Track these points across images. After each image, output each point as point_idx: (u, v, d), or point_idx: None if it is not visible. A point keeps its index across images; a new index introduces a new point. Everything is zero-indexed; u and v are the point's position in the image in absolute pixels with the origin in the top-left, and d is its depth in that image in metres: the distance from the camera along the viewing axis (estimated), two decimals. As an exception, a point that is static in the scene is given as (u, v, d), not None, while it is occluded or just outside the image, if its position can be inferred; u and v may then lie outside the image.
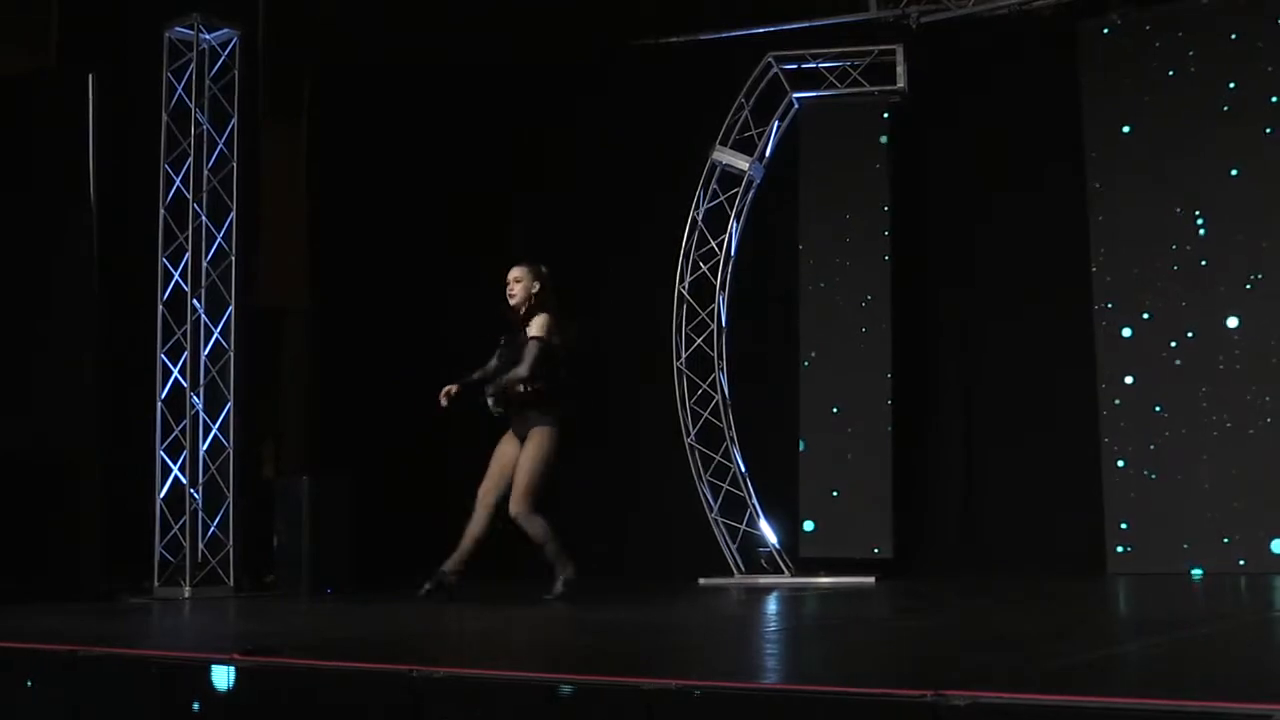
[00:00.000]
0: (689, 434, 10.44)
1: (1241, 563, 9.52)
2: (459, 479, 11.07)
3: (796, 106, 10.66)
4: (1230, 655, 4.91)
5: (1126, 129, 10.32)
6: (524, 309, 8.51)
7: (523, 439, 8.45)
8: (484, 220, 11.70)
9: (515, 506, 8.30)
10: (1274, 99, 9.87)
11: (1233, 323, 9.91)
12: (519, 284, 8.52)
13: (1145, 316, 10.12)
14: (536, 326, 8.37)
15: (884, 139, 10.63)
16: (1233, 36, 10.07)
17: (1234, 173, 9.93)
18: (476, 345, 9.46)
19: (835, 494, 10.34)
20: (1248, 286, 9.75)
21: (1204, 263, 9.97)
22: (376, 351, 11.46)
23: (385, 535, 10.64)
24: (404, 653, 5.00)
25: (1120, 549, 9.91)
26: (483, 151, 11.76)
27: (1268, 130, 9.86)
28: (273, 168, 11.02)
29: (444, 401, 8.48)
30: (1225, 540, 9.67)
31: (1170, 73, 10.27)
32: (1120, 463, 10.06)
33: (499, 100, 11.79)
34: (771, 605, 8.36)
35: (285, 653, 4.80)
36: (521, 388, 8.30)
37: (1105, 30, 10.48)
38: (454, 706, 4.14)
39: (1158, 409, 10.02)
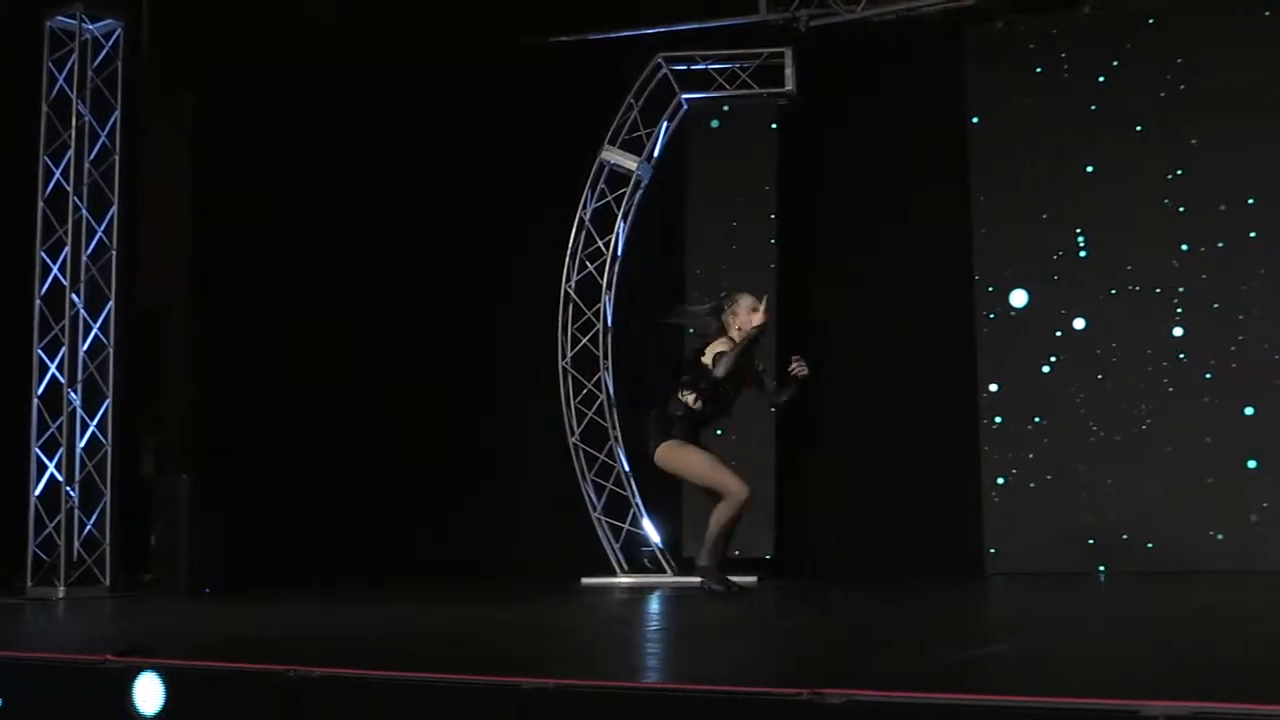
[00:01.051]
0: (573, 433, 10.49)
1: (1101, 569, 9.67)
2: (343, 476, 11.00)
3: (685, 108, 10.73)
4: (1099, 653, 4.97)
5: (1010, 134, 10.63)
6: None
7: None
8: (380, 218, 11.56)
9: (734, 490, 8.40)
10: (1148, 108, 10.15)
11: (1093, 327, 10.22)
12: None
13: (1026, 323, 10.31)
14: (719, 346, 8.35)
15: (772, 141, 10.78)
16: (1112, 57, 10.42)
17: (1097, 175, 10.07)
18: (373, 344, 9.40)
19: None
20: (1112, 292, 9.89)
21: (1081, 272, 10.07)
22: (260, 349, 11.34)
23: (265, 533, 10.50)
24: (281, 653, 4.91)
25: (995, 551, 9.99)
26: (376, 149, 11.69)
27: (1138, 128, 10.29)
28: (156, 161, 10.85)
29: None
30: (1091, 542, 10.02)
31: (1051, 79, 10.55)
32: (1000, 479, 10.37)
33: (391, 97, 11.71)
34: (654, 605, 8.37)
35: (160, 653, 4.69)
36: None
37: (989, 37, 10.73)
38: (331, 706, 4.07)
39: (1037, 419, 10.30)
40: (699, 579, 8.28)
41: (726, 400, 8.41)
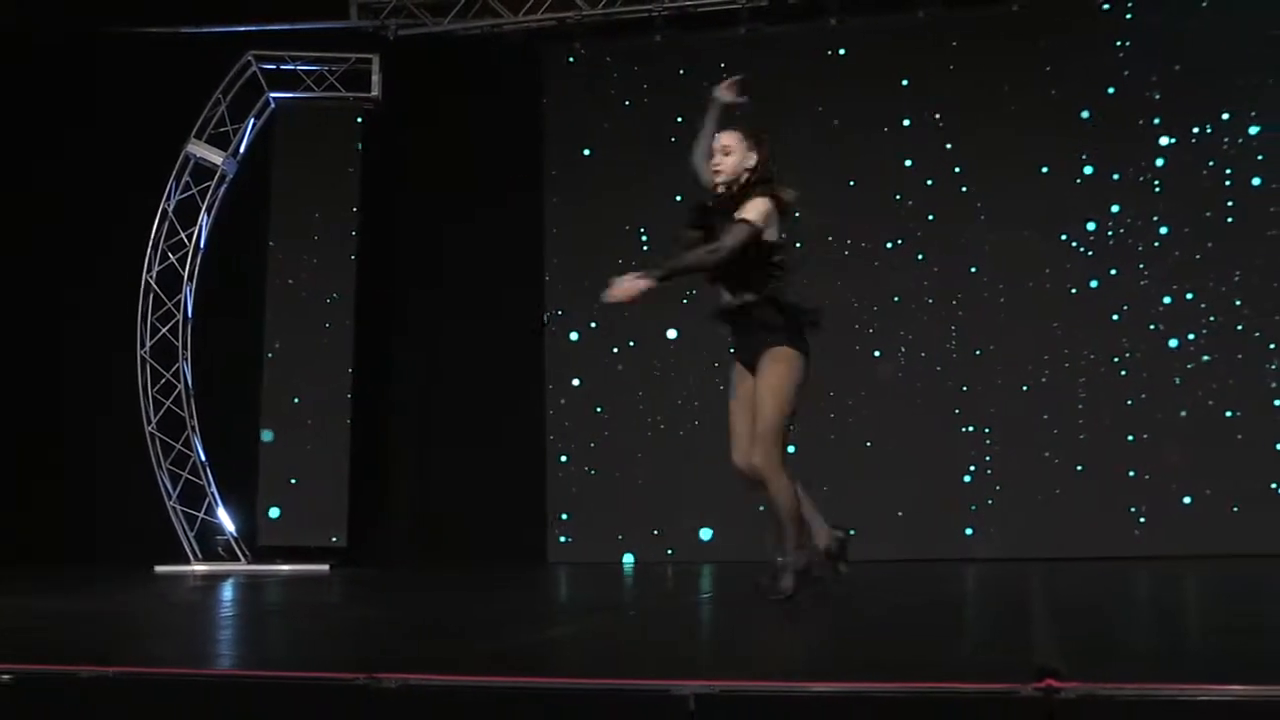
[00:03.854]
0: (150, 421, 10.38)
1: (670, 552, 10.03)
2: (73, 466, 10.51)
3: (273, 106, 10.79)
4: (641, 636, 5.18)
5: (584, 150, 11.30)
6: (734, 188, 6.32)
7: (753, 368, 6.26)
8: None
9: (758, 456, 6.09)
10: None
11: (672, 334, 10.88)
12: (728, 156, 6.34)
13: (592, 325, 10.94)
14: (751, 210, 6.14)
15: (356, 143, 11.15)
16: (681, 72, 10.98)
17: (678, 198, 10.44)
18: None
19: (293, 484, 10.82)
20: (684, 301, 10.31)
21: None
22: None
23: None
24: None
25: (561, 539, 10.34)
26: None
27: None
28: None
29: (631, 296, 6.18)
30: (655, 532, 10.54)
31: (626, 102, 11.26)
32: (563, 458, 10.93)
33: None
34: (226, 592, 8.30)
35: None
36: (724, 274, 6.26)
37: (569, 58, 11.31)
38: None
39: (599, 409, 10.71)
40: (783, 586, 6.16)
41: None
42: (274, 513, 10.62)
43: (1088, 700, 3.17)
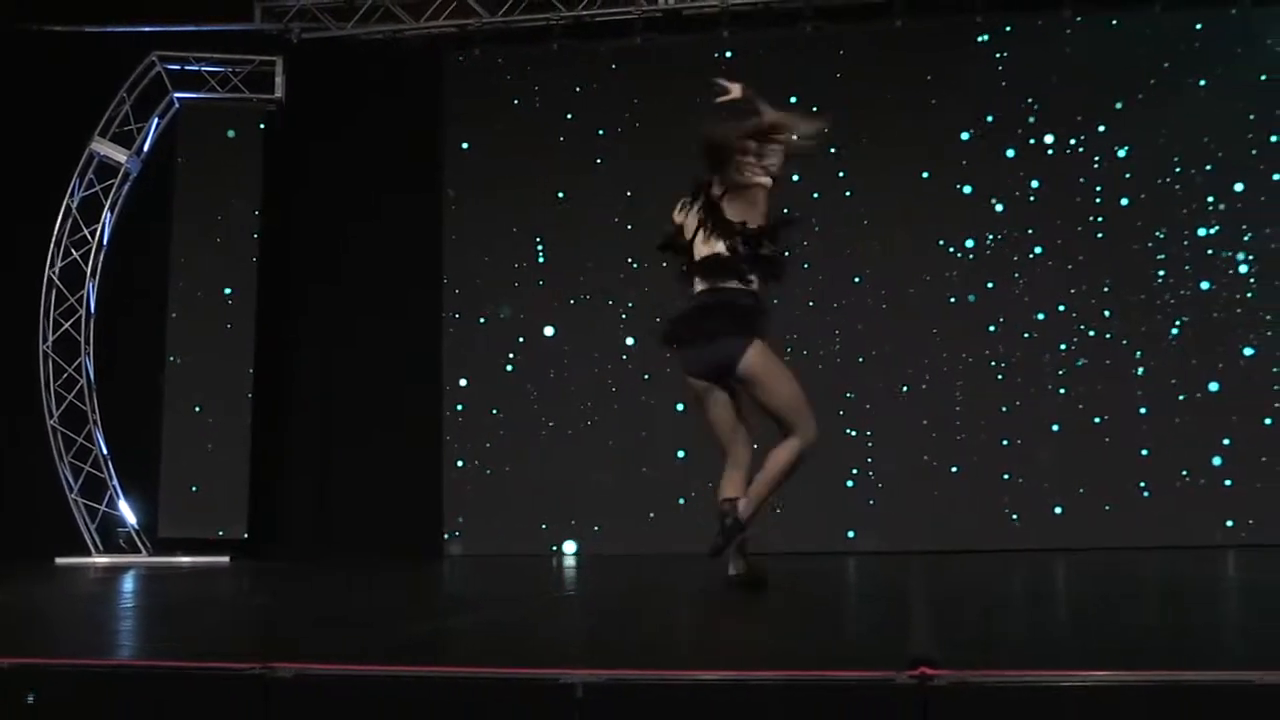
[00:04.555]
0: (52, 415, 10.20)
1: (554, 548, 10.05)
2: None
3: (177, 106, 10.62)
4: (534, 627, 5.18)
5: (481, 153, 11.26)
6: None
7: (720, 371, 5.91)
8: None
9: (808, 431, 5.97)
10: (608, 138, 10.96)
11: (549, 332, 10.89)
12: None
13: (482, 321, 10.99)
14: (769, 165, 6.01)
15: (259, 143, 11.07)
16: (577, 88, 11.07)
17: (560, 195, 10.49)
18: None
19: (195, 478, 10.69)
20: (571, 302, 10.39)
21: (540, 282, 10.91)
22: None
23: None
24: None
25: (455, 534, 10.36)
26: None
27: (598, 160, 10.96)
28: None
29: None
30: (544, 527, 10.66)
31: (524, 105, 11.20)
32: (459, 461, 10.92)
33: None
34: (127, 584, 8.18)
35: None
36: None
37: (466, 62, 11.32)
38: None
39: (494, 410, 10.82)
40: (733, 567, 6.16)
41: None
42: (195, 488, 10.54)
43: (959, 687, 3.21)
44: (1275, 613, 5.65)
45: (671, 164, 10.52)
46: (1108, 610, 5.78)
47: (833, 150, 10.44)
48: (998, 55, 10.58)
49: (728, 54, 10.75)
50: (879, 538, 10.21)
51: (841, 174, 10.59)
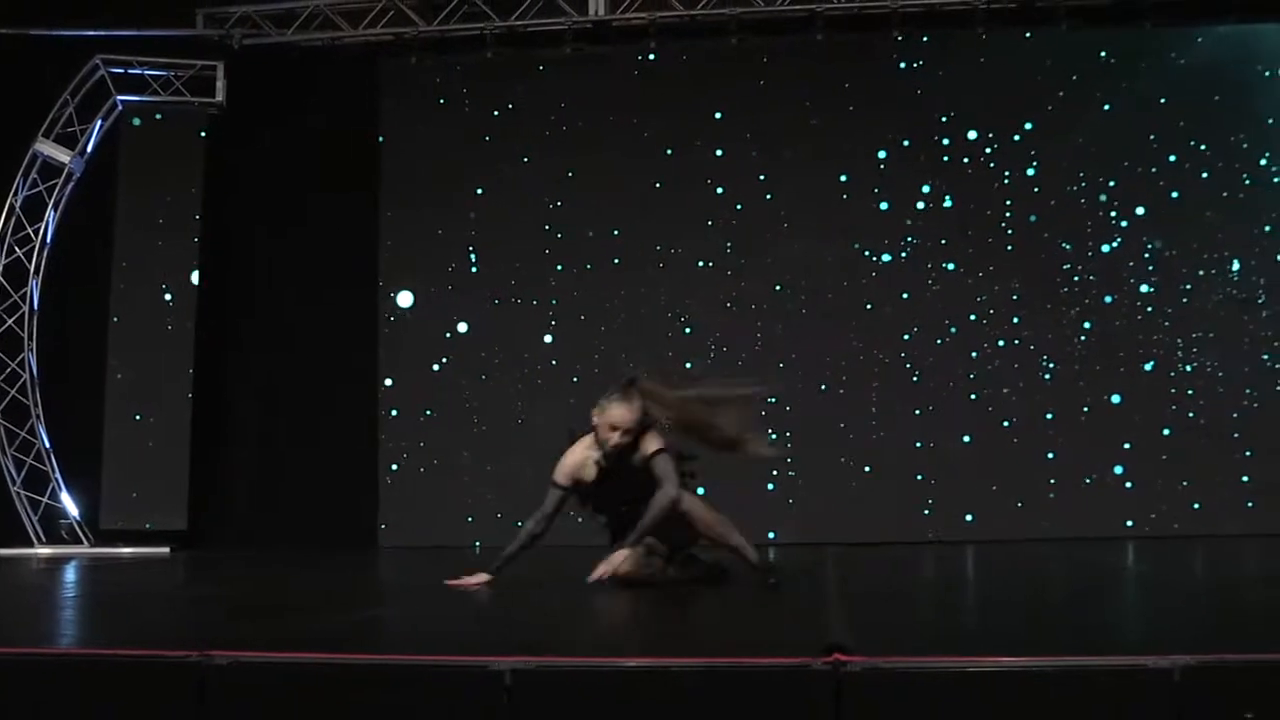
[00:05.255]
0: None
1: (477, 544, 9.95)
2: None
3: (120, 108, 10.56)
4: (473, 617, 5.19)
5: (416, 156, 11.10)
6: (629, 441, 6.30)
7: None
8: None
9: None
10: (535, 142, 10.90)
11: (493, 336, 10.73)
12: (625, 432, 6.26)
13: (420, 326, 10.87)
14: (653, 442, 6.28)
15: (200, 144, 10.95)
16: (508, 88, 11.02)
17: (496, 200, 10.49)
18: None
19: (135, 471, 10.54)
20: (496, 302, 10.42)
21: (473, 280, 10.84)
22: None
23: None
24: None
25: (386, 526, 10.68)
26: None
27: (525, 159, 10.88)
28: None
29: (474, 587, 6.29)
30: (470, 519, 10.59)
31: (454, 110, 11.10)
32: (393, 466, 10.81)
33: None
34: (68, 574, 8.06)
35: None
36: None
37: (403, 70, 11.21)
38: None
39: (429, 411, 10.84)
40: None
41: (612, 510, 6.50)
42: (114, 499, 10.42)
43: (871, 672, 3.27)
44: (1167, 602, 5.75)
45: (599, 171, 10.72)
46: (1011, 598, 5.87)
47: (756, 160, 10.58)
48: (915, 67, 10.62)
49: (657, 69, 10.82)
50: (798, 531, 10.25)
51: (762, 176, 10.62)
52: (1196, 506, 10.05)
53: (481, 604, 5.87)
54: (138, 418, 10.44)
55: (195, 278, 10.65)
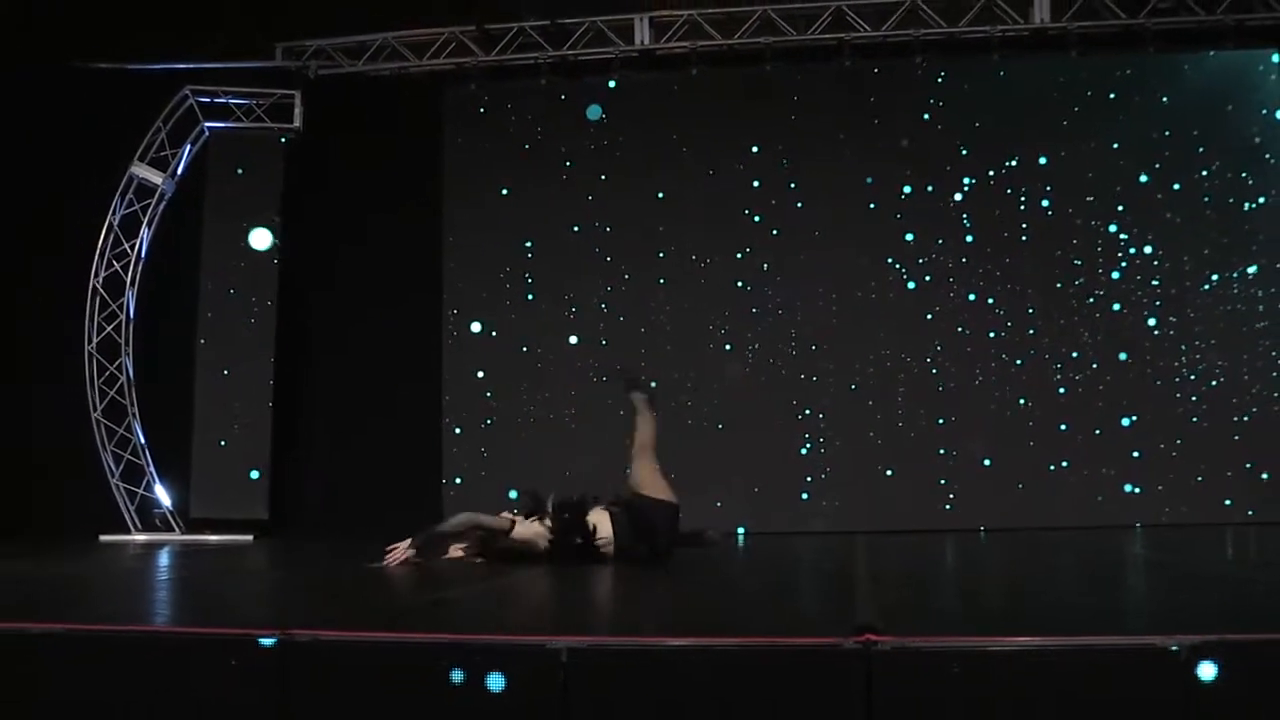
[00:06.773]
0: (96, 409, 10.21)
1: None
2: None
3: (207, 134, 10.58)
4: (533, 597, 5.17)
5: (481, 180, 11.12)
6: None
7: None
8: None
9: None
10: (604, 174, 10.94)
11: (573, 340, 10.84)
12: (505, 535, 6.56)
13: (482, 344, 10.91)
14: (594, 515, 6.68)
15: (280, 167, 11.02)
16: (562, 111, 11.02)
17: (563, 225, 10.52)
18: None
19: (223, 467, 10.62)
20: (548, 317, 10.55)
21: (529, 281, 10.97)
22: None
23: None
24: None
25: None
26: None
27: (590, 198, 10.90)
28: None
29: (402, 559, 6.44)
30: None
31: (517, 135, 11.12)
32: (457, 478, 10.80)
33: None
34: (163, 559, 8.06)
35: None
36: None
37: (467, 98, 11.26)
38: None
39: (488, 420, 10.89)
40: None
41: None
42: (254, 474, 10.47)
43: (900, 652, 3.23)
44: (1179, 585, 5.67)
45: (646, 180, 10.71)
46: (1031, 581, 5.80)
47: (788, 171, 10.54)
48: (932, 91, 10.62)
49: (700, 95, 10.81)
50: (830, 512, 10.24)
51: (792, 184, 10.65)
52: (1228, 503, 10.01)
53: (537, 589, 5.86)
54: (225, 412, 10.54)
55: (275, 287, 10.74)
